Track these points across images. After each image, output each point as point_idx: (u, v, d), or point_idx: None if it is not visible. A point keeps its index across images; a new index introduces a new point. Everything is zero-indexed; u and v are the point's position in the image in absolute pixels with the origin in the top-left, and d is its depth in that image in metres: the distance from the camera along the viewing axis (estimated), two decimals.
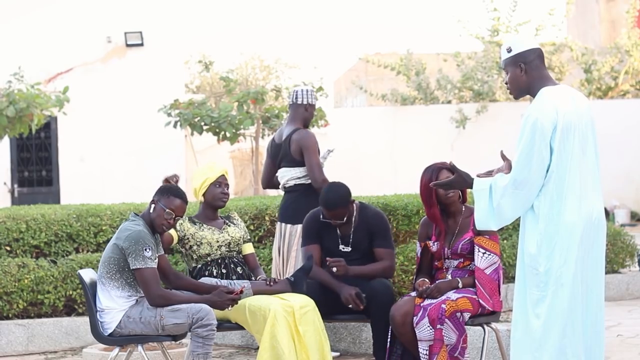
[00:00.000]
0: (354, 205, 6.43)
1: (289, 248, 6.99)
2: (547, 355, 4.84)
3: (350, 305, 6.19)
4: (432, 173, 5.96)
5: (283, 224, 7.07)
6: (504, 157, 5.16)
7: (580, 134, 4.88)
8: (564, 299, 4.80)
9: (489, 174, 5.14)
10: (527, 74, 4.99)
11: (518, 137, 4.89)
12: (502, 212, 4.90)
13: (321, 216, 6.42)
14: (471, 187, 5.05)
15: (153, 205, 5.84)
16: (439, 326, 5.67)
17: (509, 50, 5.01)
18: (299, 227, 6.91)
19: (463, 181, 5.12)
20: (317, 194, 6.98)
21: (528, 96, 5.12)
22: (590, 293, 4.90)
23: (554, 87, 4.96)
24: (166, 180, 6.16)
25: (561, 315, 4.81)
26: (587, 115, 4.96)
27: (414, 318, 5.77)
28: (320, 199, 6.41)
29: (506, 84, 5.09)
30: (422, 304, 5.80)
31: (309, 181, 7.06)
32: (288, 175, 7.11)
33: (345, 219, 6.33)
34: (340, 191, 6.36)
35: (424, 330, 5.71)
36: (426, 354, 5.70)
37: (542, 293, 4.85)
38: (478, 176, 5.17)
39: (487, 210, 4.94)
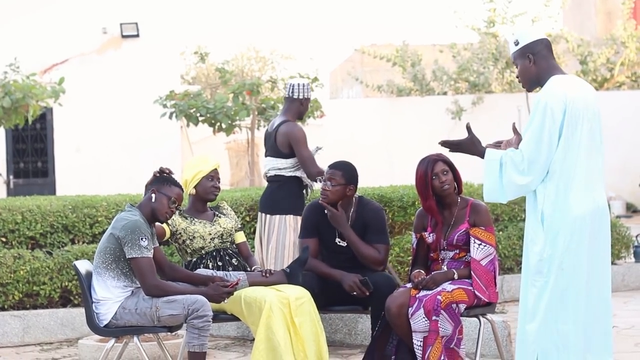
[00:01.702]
0: (354, 199, 6.39)
1: (269, 238, 6.97)
2: (549, 340, 4.87)
3: (354, 293, 6.17)
4: (427, 164, 5.95)
5: (262, 214, 7.07)
6: (515, 130, 5.20)
7: (588, 124, 4.92)
8: (564, 283, 4.83)
9: (498, 144, 5.19)
10: (535, 64, 5.05)
11: (528, 121, 4.95)
12: (510, 188, 4.95)
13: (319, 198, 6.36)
14: (480, 155, 5.10)
15: (154, 195, 5.82)
16: (434, 317, 5.67)
17: (517, 43, 5.06)
18: (277, 217, 6.92)
19: (473, 145, 5.17)
20: (297, 186, 6.98)
21: (523, 88, 5.15)
22: (594, 281, 4.92)
23: (563, 76, 5.02)
24: (161, 171, 6.06)
25: (562, 299, 4.84)
26: (595, 106, 4.99)
27: (409, 309, 5.77)
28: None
29: (517, 77, 5.14)
30: (417, 295, 5.80)
31: (289, 173, 7.03)
32: (270, 165, 7.10)
33: (335, 188, 6.24)
34: (349, 163, 6.39)
35: (419, 322, 5.71)
36: (420, 345, 5.70)
37: (545, 279, 4.88)
38: (487, 147, 5.19)
39: (497, 183, 4.98)
